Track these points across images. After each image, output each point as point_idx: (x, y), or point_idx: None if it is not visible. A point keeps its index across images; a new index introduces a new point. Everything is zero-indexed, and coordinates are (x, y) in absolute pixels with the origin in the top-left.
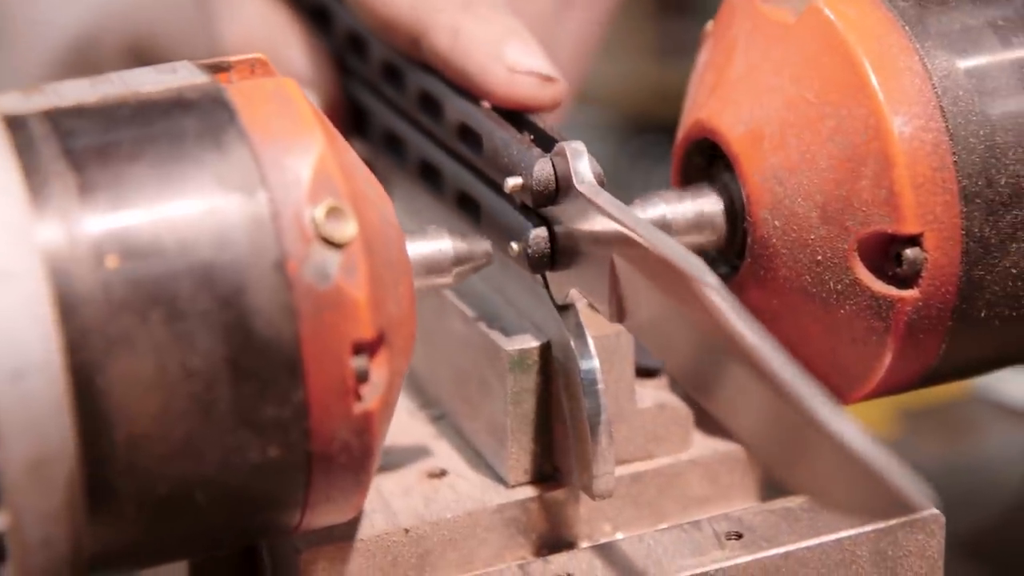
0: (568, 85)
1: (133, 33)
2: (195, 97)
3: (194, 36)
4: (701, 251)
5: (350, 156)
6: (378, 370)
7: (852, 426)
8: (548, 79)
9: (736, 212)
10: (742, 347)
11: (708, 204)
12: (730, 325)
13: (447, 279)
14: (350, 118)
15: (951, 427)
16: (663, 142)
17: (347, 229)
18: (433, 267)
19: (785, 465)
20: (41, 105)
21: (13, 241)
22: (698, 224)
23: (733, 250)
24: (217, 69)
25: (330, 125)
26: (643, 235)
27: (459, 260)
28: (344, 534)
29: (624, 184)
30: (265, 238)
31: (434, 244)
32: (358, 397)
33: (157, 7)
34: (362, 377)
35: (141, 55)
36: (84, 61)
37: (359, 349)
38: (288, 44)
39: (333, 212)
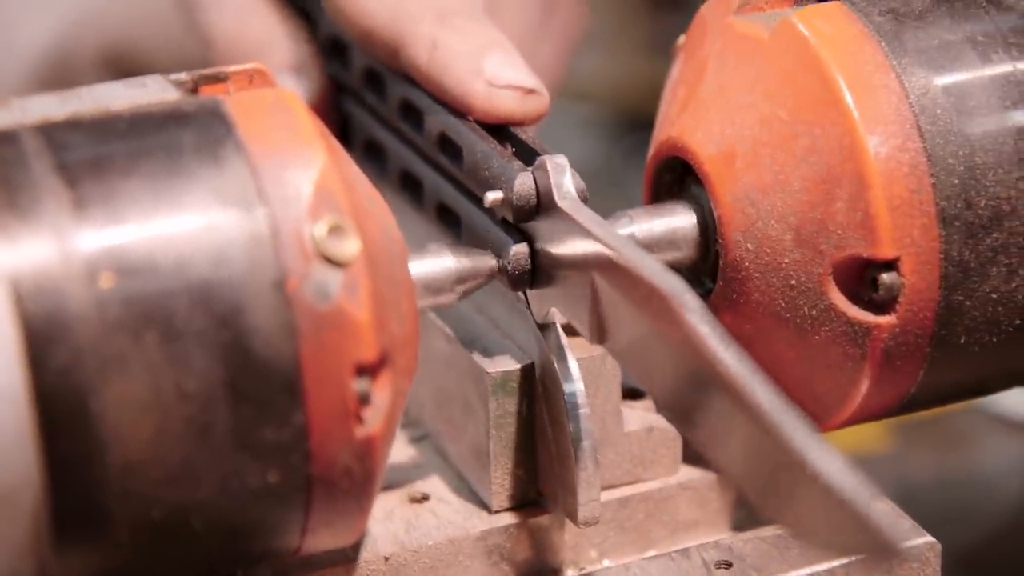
0: (550, 93)
1: (109, 41)
2: (192, 109)
3: (175, 40)
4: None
5: (352, 169)
6: (380, 392)
7: (836, 460)
8: (529, 92)
9: (708, 230)
10: (722, 374)
11: (679, 221)
12: (710, 350)
13: (450, 297)
14: (338, 124)
15: (945, 439)
16: None
17: (349, 247)
18: (436, 286)
19: (766, 499)
20: (21, 119)
21: None
22: (669, 241)
23: (705, 268)
24: (214, 80)
25: (332, 138)
26: (623, 254)
27: (462, 278)
28: (322, 561)
29: (618, 181)
30: (264, 256)
31: (436, 262)
32: (360, 420)
33: (133, 13)
34: (364, 400)
35: (119, 63)
36: (59, 72)
37: (361, 371)
38: (277, 39)
39: (335, 229)
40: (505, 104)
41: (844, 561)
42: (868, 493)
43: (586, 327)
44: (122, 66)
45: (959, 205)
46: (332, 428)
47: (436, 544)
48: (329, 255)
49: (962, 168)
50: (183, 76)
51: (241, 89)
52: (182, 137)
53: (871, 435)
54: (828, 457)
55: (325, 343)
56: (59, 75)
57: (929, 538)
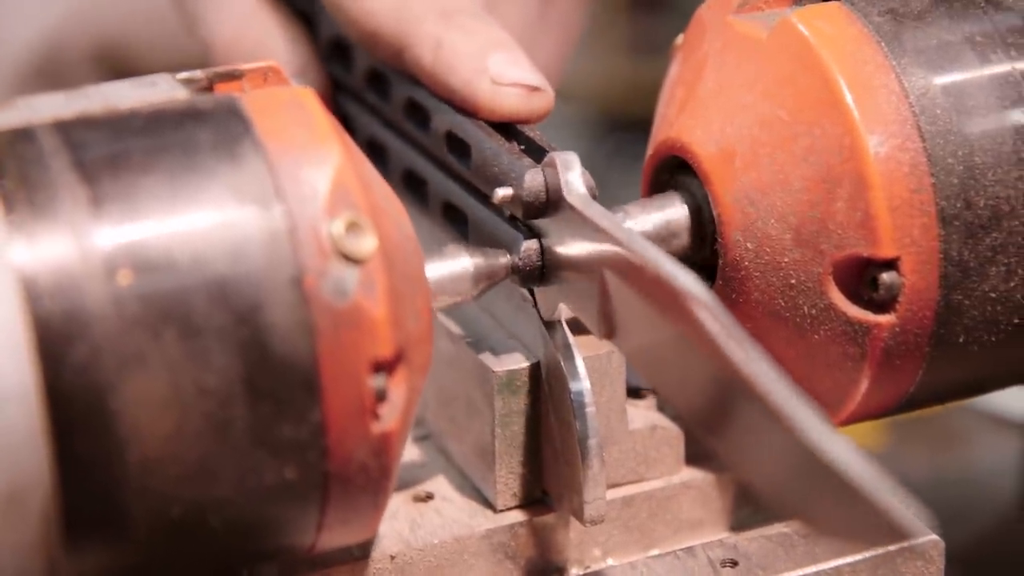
0: (553, 90)
1: (103, 37)
2: (208, 107)
3: (170, 38)
4: None
5: (367, 168)
6: (396, 389)
7: (850, 451)
8: (534, 90)
9: (702, 218)
10: (737, 370)
11: (672, 213)
12: (724, 347)
13: (468, 297)
14: (334, 108)
15: (940, 438)
16: (639, 140)
17: (366, 244)
18: (453, 287)
19: (778, 489)
20: (31, 118)
21: None
22: (664, 233)
23: (700, 257)
24: (229, 77)
25: (347, 135)
26: (636, 250)
27: (479, 278)
28: (328, 560)
29: (601, 182)
30: (281, 253)
31: (454, 264)
32: (376, 417)
33: (128, 10)
34: (380, 396)
35: (112, 60)
36: (50, 67)
37: (378, 367)
38: (276, 43)
39: (352, 226)
40: (510, 102)
41: (850, 559)
42: (880, 481)
43: (595, 323)
44: (115, 63)
45: (959, 205)
46: (349, 425)
47: (441, 543)
48: (346, 252)
49: (961, 168)
50: (198, 74)
51: (256, 87)
52: (199, 135)
53: (865, 433)
54: (841, 447)
55: (342, 340)
56: (50, 70)
57: (933, 536)
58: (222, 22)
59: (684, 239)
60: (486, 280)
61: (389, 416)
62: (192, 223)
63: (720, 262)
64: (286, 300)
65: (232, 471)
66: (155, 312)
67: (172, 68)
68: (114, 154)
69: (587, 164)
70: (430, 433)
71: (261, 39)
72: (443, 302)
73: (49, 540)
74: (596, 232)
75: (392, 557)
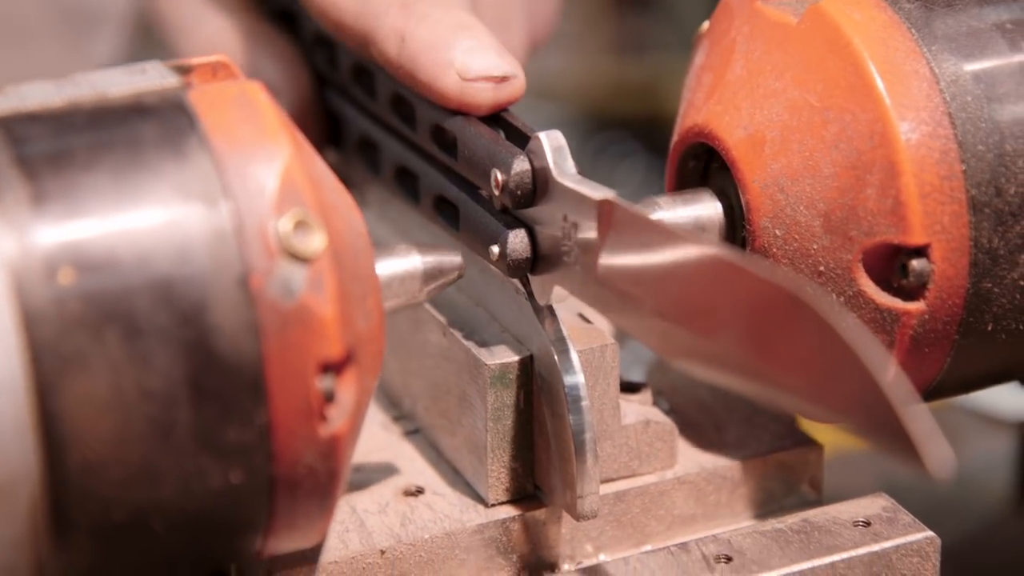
0: (541, 43)
1: None
2: (154, 102)
3: None
4: None
5: (318, 164)
6: (345, 390)
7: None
8: (502, 79)
9: (735, 218)
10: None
11: (705, 209)
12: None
13: (419, 297)
14: (325, 124)
15: None
16: (625, 138)
17: (314, 242)
18: (403, 286)
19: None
20: (18, 106)
21: None
22: (696, 230)
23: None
24: (177, 72)
25: (297, 131)
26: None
27: (429, 276)
28: (317, 555)
29: None
30: (227, 252)
31: (404, 261)
32: (324, 419)
33: None
34: (329, 398)
35: None
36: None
37: (326, 368)
38: (253, 52)
39: (300, 224)
40: (479, 97)
41: (845, 555)
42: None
43: (592, 300)
44: None
45: (989, 192)
46: (296, 427)
47: (432, 537)
48: (294, 251)
49: (992, 155)
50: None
51: (205, 82)
52: (144, 130)
53: None
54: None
55: (289, 341)
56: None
57: (929, 532)
58: (197, 36)
59: (716, 233)
60: (437, 280)
61: (338, 418)
62: (136, 221)
63: (748, 249)
64: (232, 300)
65: (176, 474)
66: (97, 312)
67: None
68: (57, 150)
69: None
70: (421, 427)
71: (239, 50)
72: (393, 303)
73: (37, 534)
74: (589, 204)
75: (382, 552)
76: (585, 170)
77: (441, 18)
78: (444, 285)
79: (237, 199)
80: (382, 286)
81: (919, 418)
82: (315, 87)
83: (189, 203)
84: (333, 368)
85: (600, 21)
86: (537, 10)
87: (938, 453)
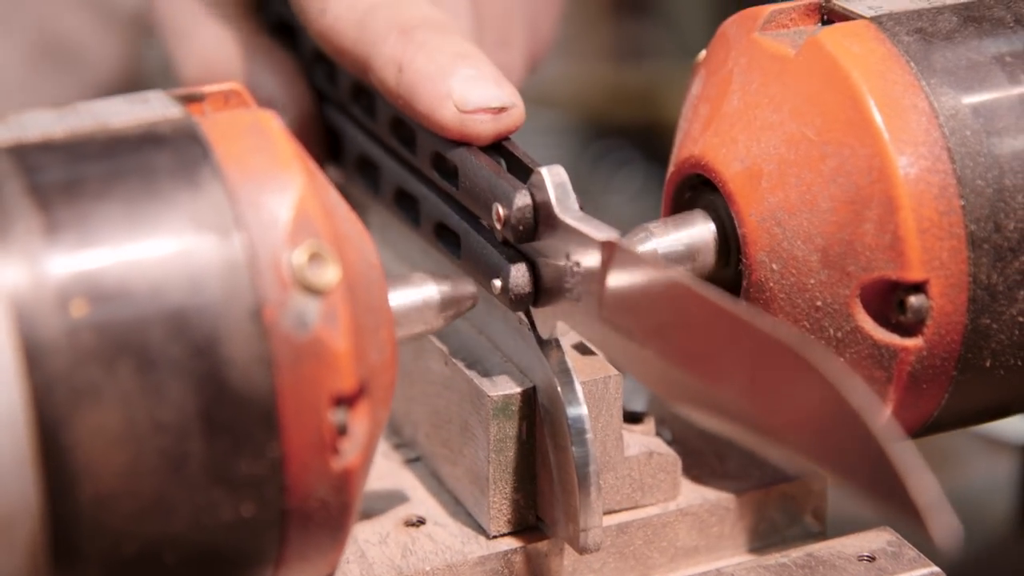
0: (538, 59)
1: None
2: (167, 132)
3: None
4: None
5: (331, 194)
6: (358, 423)
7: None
8: (500, 110)
9: (727, 236)
10: (752, 329)
11: (698, 232)
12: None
13: (433, 326)
14: (324, 139)
15: (932, 459)
16: (623, 146)
17: (328, 274)
18: (419, 316)
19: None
20: (4, 138)
21: None
22: (690, 253)
23: (726, 277)
24: (189, 100)
25: (311, 161)
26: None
27: (445, 305)
28: None
29: (584, 189)
30: (240, 283)
31: (419, 291)
32: (336, 452)
33: None
34: (341, 431)
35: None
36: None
37: (339, 402)
38: (251, 64)
39: (314, 256)
40: (477, 129)
41: None
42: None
43: (595, 335)
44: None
45: (988, 227)
46: (309, 460)
47: (433, 569)
48: (307, 283)
49: (991, 190)
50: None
51: (218, 110)
52: (157, 160)
53: None
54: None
55: (303, 374)
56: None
57: (934, 568)
58: (190, 48)
59: (709, 258)
60: (453, 309)
61: (350, 451)
62: (149, 252)
63: (744, 283)
64: (245, 332)
65: (188, 507)
66: (110, 344)
67: None
68: (70, 179)
69: (570, 171)
70: (422, 456)
71: (233, 61)
72: (407, 332)
73: (38, 570)
74: (591, 245)
75: None
76: (583, 176)
77: (439, 46)
78: (459, 314)
79: (250, 230)
80: (398, 316)
81: (926, 487)
82: (315, 101)
83: (202, 234)
84: (346, 401)
85: (598, 28)
86: (538, 27)
87: (944, 524)
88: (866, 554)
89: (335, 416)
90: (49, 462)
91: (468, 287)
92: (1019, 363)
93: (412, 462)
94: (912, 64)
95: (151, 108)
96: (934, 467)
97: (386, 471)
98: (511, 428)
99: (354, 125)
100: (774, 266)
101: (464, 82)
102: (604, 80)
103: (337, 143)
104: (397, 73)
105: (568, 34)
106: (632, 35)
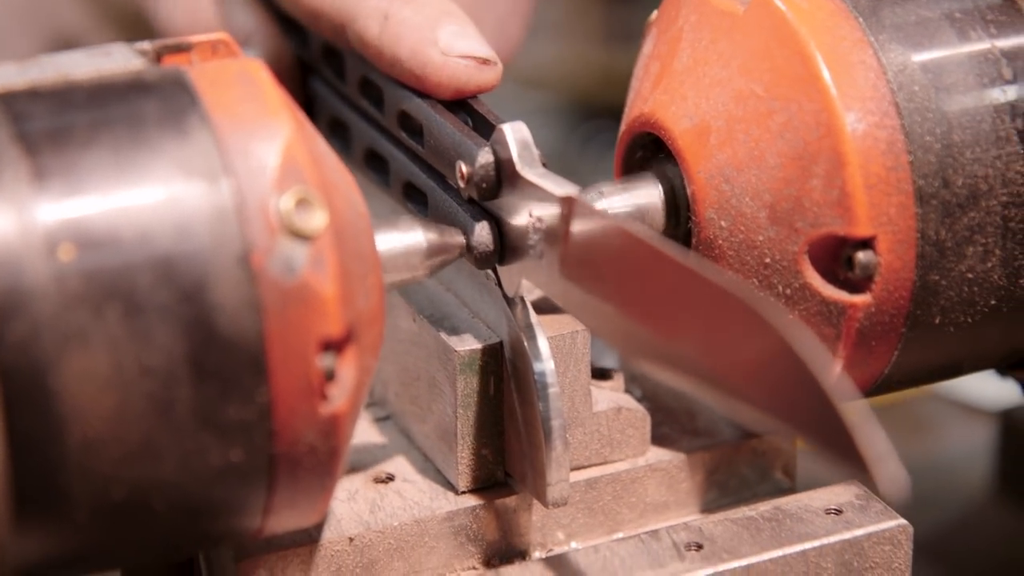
0: (510, 54)
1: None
2: (155, 79)
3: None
4: None
5: (319, 142)
6: (346, 369)
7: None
8: (485, 62)
9: (677, 202)
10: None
11: (647, 195)
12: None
13: (419, 273)
14: (301, 89)
15: (909, 425)
16: (612, 127)
17: (316, 220)
18: (405, 261)
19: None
20: None
21: None
22: (638, 215)
23: (673, 238)
24: (177, 50)
25: (298, 109)
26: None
27: (432, 252)
28: (285, 542)
29: (574, 170)
30: (228, 229)
31: (407, 236)
32: (325, 397)
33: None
34: (329, 376)
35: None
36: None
37: (327, 346)
38: (235, 17)
39: (301, 202)
40: (461, 74)
41: (817, 543)
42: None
43: (557, 295)
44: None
45: (936, 183)
46: (297, 406)
47: (402, 525)
48: (295, 228)
49: (939, 146)
50: (145, 46)
51: (205, 59)
52: (145, 108)
53: None
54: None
55: (290, 319)
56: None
57: (901, 520)
58: (174, 6)
59: (658, 219)
60: (439, 256)
61: (338, 396)
62: (137, 198)
63: (694, 241)
64: (233, 278)
65: (176, 452)
66: (98, 289)
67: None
68: (58, 127)
69: (560, 151)
70: (392, 414)
71: (216, 17)
72: (394, 277)
73: None
74: (552, 200)
75: (351, 539)
76: (573, 157)
77: (426, 2)
78: (445, 263)
79: (238, 176)
80: (384, 260)
81: (874, 440)
82: (288, 43)
83: (190, 180)
84: (334, 346)
85: (588, 10)
86: (504, 28)
87: (890, 474)
88: (833, 507)
89: (323, 361)
90: (35, 406)
91: (456, 236)
92: (969, 320)
93: (381, 420)
94: (861, 20)
95: (113, 61)
96: (911, 434)
97: (356, 429)
98: (478, 383)
99: (326, 88)
100: (723, 223)
101: (450, 34)
102: (594, 62)
103: (309, 106)
104: (383, 21)
105: (558, 17)
106: (622, 17)
